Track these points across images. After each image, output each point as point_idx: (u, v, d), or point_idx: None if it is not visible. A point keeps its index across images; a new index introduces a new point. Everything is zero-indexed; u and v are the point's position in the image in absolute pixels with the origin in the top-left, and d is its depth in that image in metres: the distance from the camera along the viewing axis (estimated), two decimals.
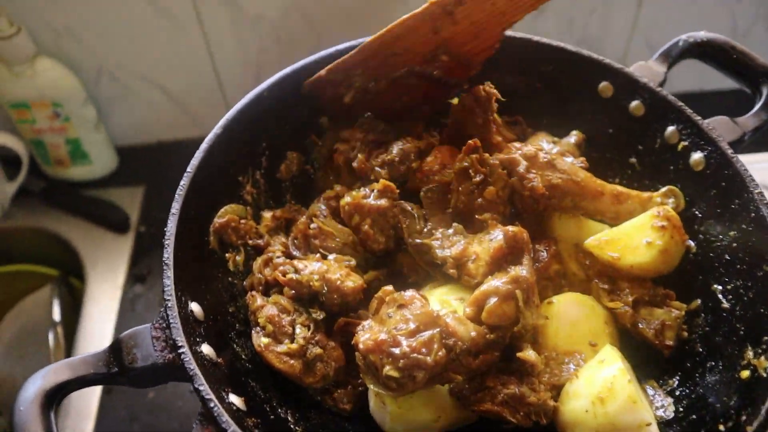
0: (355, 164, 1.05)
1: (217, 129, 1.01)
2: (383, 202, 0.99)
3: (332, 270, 0.93)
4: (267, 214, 1.07)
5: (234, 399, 0.82)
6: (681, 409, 0.91)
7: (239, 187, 1.06)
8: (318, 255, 0.98)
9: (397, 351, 0.78)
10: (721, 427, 0.82)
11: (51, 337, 1.57)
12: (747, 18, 1.77)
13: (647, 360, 0.96)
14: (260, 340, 0.90)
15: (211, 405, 0.75)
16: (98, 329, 1.54)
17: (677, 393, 0.93)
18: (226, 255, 1.01)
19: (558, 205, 1.00)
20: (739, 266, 0.93)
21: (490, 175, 0.98)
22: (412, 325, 0.80)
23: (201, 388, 0.76)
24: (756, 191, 0.92)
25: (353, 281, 0.93)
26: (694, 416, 0.88)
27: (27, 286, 1.71)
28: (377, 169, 1.02)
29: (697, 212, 1.02)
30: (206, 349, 0.85)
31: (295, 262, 0.96)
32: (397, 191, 1.01)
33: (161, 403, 1.41)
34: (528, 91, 1.18)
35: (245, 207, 1.05)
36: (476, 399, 0.85)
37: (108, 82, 1.73)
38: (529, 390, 0.86)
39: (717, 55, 1.11)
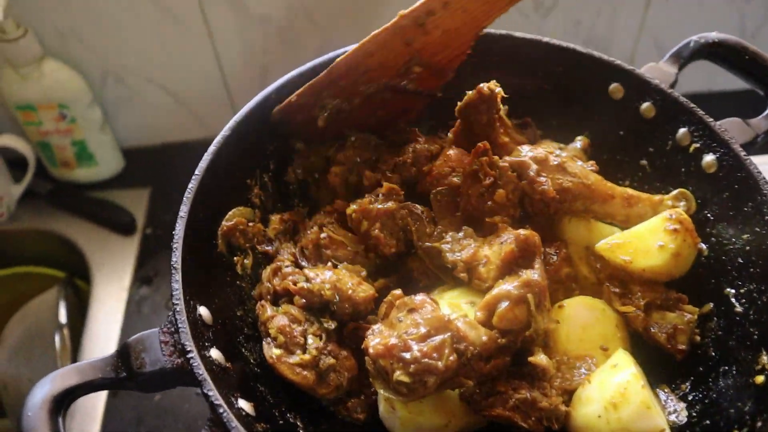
0: (365, 182, 1.03)
1: (225, 131, 1.00)
2: (390, 204, 0.98)
3: (343, 279, 0.92)
4: (275, 217, 1.06)
5: (243, 404, 0.82)
6: (694, 414, 0.90)
7: (247, 190, 1.06)
8: (329, 264, 0.97)
9: (407, 356, 0.77)
10: None
11: (57, 339, 1.56)
12: (756, 18, 1.76)
13: (659, 364, 0.95)
14: (272, 352, 0.88)
15: (221, 411, 0.74)
16: (104, 331, 1.54)
17: (690, 398, 0.92)
18: (234, 258, 1.01)
19: (568, 208, 1.00)
20: (752, 270, 0.92)
21: (499, 178, 0.97)
22: (422, 330, 0.79)
23: (210, 393, 0.75)
24: None
25: (365, 290, 0.92)
26: (707, 422, 0.87)
27: (33, 288, 1.71)
28: (387, 173, 1.01)
29: (709, 215, 1.01)
30: (215, 353, 0.84)
31: (306, 270, 0.95)
32: (402, 193, 1.00)
33: (167, 405, 1.40)
34: (537, 92, 1.17)
35: (253, 210, 1.04)
36: (487, 404, 0.84)
37: (114, 84, 1.73)
38: (540, 395, 0.85)
39: (729, 56, 1.10)
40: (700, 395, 0.91)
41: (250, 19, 1.62)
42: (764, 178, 0.92)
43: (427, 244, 0.95)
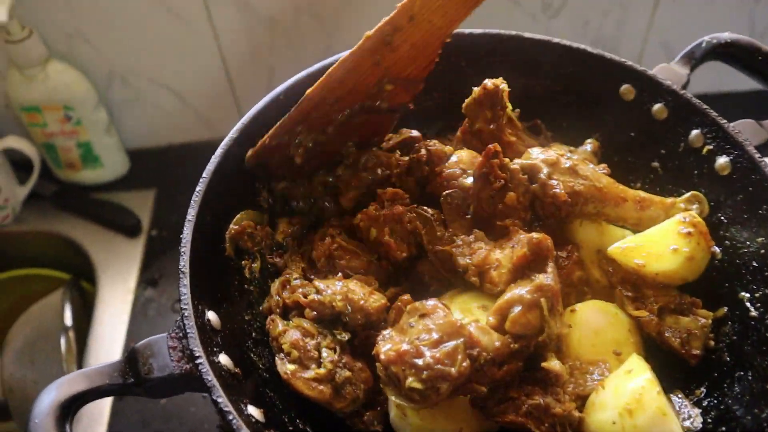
0: (382, 197, 1.01)
1: (233, 133, 0.99)
2: (396, 208, 0.97)
3: (354, 289, 0.91)
4: (283, 221, 1.05)
5: (252, 410, 0.81)
6: (709, 421, 0.88)
7: (255, 193, 1.05)
8: (339, 275, 0.96)
9: (420, 362, 0.76)
10: None
11: (63, 341, 1.56)
12: (765, 18, 1.74)
13: (672, 369, 0.94)
14: (286, 367, 0.87)
15: (230, 417, 0.73)
16: (110, 333, 1.53)
17: (705, 404, 0.91)
18: (242, 262, 1.00)
19: (580, 211, 0.98)
20: (767, 273, 0.91)
21: (510, 181, 0.96)
22: (435, 335, 0.78)
23: (219, 400, 0.74)
24: None
25: (376, 299, 0.90)
26: (723, 428, 0.86)
27: (38, 290, 1.71)
28: (403, 176, 1.01)
29: (722, 218, 0.99)
30: (224, 359, 0.83)
31: (316, 282, 0.94)
32: (407, 197, 0.99)
33: (173, 409, 1.39)
34: (547, 94, 1.16)
35: (261, 213, 1.03)
36: (500, 410, 0.83)
37: (119, 86, 1.73)
38: (553, 401, 0.83)
39: (741, 57, 1.08)
40: (715, 401, 0.90)
41: (256, 19, 1.61)
42: None
43: (438, 247, 0.94)
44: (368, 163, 1.03)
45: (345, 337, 0.90)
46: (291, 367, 0.87)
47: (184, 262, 0.85)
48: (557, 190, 0.94)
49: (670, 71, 1.09)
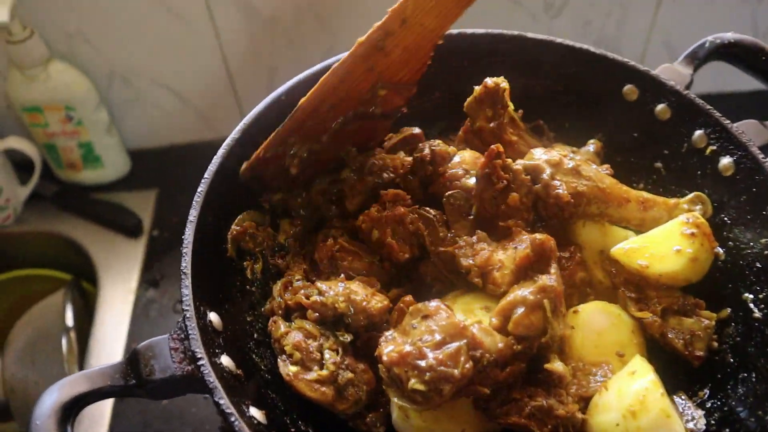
0: (385, 198, 1.00)
1: (234, 134, 0.99)
2: (398, 209, 0.97)
3: (356, 291, 0.91)
4: (285, 221, 1.05)
5: (254, 412, 0.80)
6: (713, 423, 0.88)
7: (257, 194, 1.04)
8: (342, 276, 0.95)
9: (422, 364, 0.76)
10: None
11: (64, 341, 1.55)
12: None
13: (676, 370, 0.93)
14: (288, 369, 0.87)
15: (233, 419, 0.73)
16: (111, 334, 1.53)
17: (708, 405, 0.90)
18: (244, 263, 1.00)
19: (583, 212, 0.98)
20: None
21: (513, 182, 0.96)
22: (437, 337, 0.78)
23: (221, 402, 0.74)
24: None
25: (379, 300, 0.90)
26: (726, 430, 0.85)
27: (39, 291, 1.70)
28: (408, 177, 1.01)
29: (725, 218, 0.99)
30: (226, 360, 0.83)
31: (318, 284, 0.94)
32: (409, 197, 0.99)
33: (175, 409, 1.39)
34: (549, 94, 1.15)
35: (263, 214, 1.03)
36: (502, 412, 0.83)
37: (121, 86, 1.72)
38: (556, 402, 0.83)
39: (745, 57, 1.08)
40: (719, 403, 0.90)
41: (258, 19, 1.61)
42: None
43: (440, 248, 0.94)
44: (374, 167, 1.02)
45: (347, 338, 0.90)
46: (293, 368, 0.87)
47: (186, 263, 0.85)
48: (560, 191, 0.94)
49: (673, 71, 1.08)
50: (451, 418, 0.85)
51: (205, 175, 0.93)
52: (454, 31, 1.12)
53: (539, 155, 0.98)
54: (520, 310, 0.81)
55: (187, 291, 0.83)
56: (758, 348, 0.89)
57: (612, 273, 0.98)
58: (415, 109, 1.17)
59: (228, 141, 0.98)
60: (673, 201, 1.02)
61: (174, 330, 0.82)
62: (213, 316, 0.86)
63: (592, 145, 1.13)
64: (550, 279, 0.84)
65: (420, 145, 1.04)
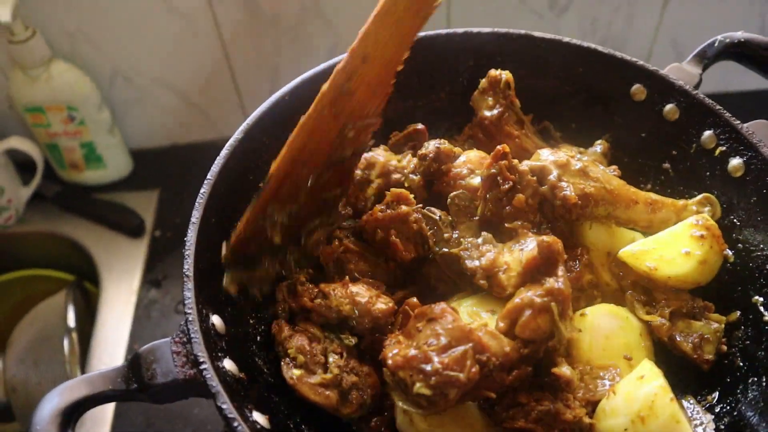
0: (388, 198, 0.99)
1: (237, 134, 0.98)
2: (401, 209, 0.96)
3: (361, 293, 0.90)
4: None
5: (257, 416, 0.79)
6: (722, 427, 0.87)
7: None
8: (346, 278, 0.94)
9: (428, 368, 0.75)
10: None
11: (66, 342, 1.55)
12: None
13: (684, 374, 0.92)
14: (291, 372, 0.86)
15: (235, 424, 0.72)
16: (113, 335, 1.52)
17: (717, 409, 0.89)
18: None
19: (590, 213, 0.97)
20: None
21: (519, 183, 0.94)
22: (443, 341, 0.77)
23: (224, 406, 0.73)
24: None
25: (384, 302, 0.89)
26: None
27: (41, 291, 1.70)
28: (412, 176, 1.00)
29: (735, 220, 0.98)
30: (228, 364, 0.82)
31: (322, 286, 0.92)
32: (411, 197, 0.98)
33: (177, 410, 1.39)
34: (556, 94, 1.14)
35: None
36: (509, 416, 0.82)
37: (122, 85, 1.72)
38: (563, 407, 0.82)
39: (755, 57, 1.07)
40: (728, 407, 0.88)
41: (261, 18, 1.60)
42: None
43: (445, 249, 0.93)
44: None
45: (352, 341, 0.89)
46: (297, 372, 0.86)
47: (188, 265, 0.84)
48: (567, 192, 0.93)
49: (681, 71, 1.07)
50: (456, 422, 0.83)
51: (208, 176, 0.92)
52: (459, 30, 1.10)
53: (546, 156, 0.97)
54: (527, 313, 0.80)
55: (189, 294, 0.82)
56: None
57: (619, 275, 0.97)
58: (420, 110, 1.16)
59: (231, 141, 0.97)
60: (681, 202, 1.00)
61: (176, 333, 0.81)
62: (216, 319, 0.85)
63: (599, 146, 1.12)
64: (557, 282, 0.82)
65: (425, 143, 1.03)
